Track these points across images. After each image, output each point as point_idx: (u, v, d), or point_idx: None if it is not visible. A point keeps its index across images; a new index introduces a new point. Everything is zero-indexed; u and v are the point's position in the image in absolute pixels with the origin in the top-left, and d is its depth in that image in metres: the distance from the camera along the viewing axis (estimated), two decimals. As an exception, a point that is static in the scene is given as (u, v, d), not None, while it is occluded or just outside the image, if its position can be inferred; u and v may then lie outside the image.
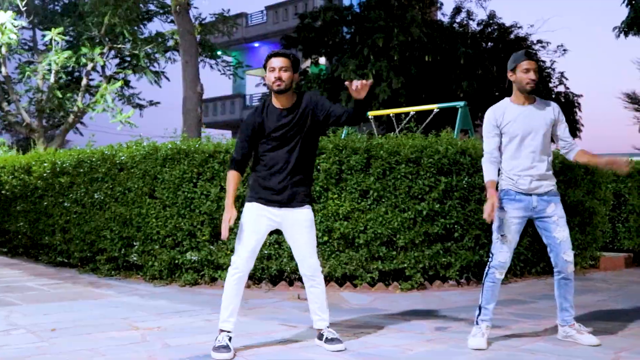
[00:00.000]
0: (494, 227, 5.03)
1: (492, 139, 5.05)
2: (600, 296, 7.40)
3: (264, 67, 4.80)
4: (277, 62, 4.72)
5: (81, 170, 9.45)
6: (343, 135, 8.80)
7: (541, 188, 5.01)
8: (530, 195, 4.99)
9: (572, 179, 9.37)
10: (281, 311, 6.37)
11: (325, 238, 7.55)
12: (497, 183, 5.06)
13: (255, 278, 7.80)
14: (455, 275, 7.84)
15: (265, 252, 7.65)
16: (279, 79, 4.69)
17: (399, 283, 7.67)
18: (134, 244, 8.50)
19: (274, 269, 7.69)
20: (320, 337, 4.92)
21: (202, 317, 6.05)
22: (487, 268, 5.04)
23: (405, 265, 7.61)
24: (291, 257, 7.56)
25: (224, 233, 4.58)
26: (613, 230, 10.80)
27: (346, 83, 4.57)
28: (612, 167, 5.18)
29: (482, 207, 7.96)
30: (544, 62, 26.16)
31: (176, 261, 8.02)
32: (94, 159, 9.26)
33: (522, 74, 4.99)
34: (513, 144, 5.01)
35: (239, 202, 6.00)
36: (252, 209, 4.77)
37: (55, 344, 4.96)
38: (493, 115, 5.06)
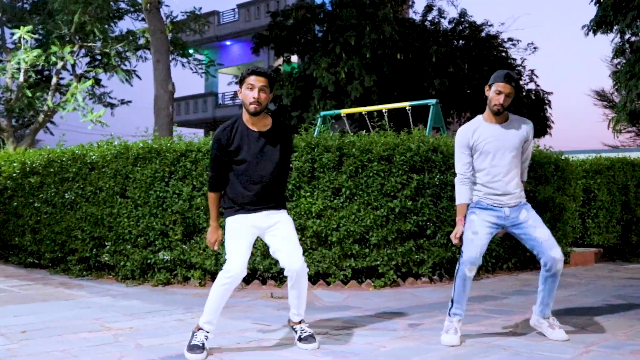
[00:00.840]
0: (465, 228, 5.05)
1: (464, 159, 5.07)
2: (571, 291, 7.48)
3: (240, 82, 4.68)
4: (257, 81, 4.59)
5: (51, 170, 9.36)
6: (315, 134, 8.80)
7: (511, 202, 5.05)
8: (502, 207, 5.03)
9: (543, 175, 9.46)
10: (254, 310, 6.36)
11: (298, 236, 7.54)
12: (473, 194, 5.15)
13: (228, 277, 7.77)
14: (428, 272, 7.89)
15: (238, 250, 7.63)
16: (257, 101, 4.59)
17: (372, 280, 7.69)
18: (106, 244, 8.44)
19: (249, 268, 7.66)
20: (293, 331, 4.95)
21: (174, 316, 6.02)
22: (457, 264, 5.07)
23: (378, 262, 7.64)
24: (264, 256, 7.55)
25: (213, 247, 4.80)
26: (583, 226, 10.92)
27: None
28: None
29: (454, 204, 8.04)
30: (514, 59, 26.38)
31: (148, 261, 7.97)
32: (64, 159, 9.18)
33: (494, 94, 5.01)
34: (484, 161, 5.03)
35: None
36: (236, 219, 4.73)
37: (26, 345, 4.91)
38: (465, 135, 5.08)
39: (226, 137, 4.68)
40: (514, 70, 25.99)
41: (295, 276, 4.80)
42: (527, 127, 5.15)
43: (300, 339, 4.83)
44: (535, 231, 5.01)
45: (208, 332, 4.66)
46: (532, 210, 5.12)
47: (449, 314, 5.05)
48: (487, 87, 5.09)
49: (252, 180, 4.71)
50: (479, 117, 5.18)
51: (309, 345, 4.78)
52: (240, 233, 4.71)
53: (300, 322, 4.94)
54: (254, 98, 4.58)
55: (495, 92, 4.99)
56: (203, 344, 4.57)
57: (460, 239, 5.00)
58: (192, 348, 4.54)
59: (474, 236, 4.97)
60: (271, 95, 4.71)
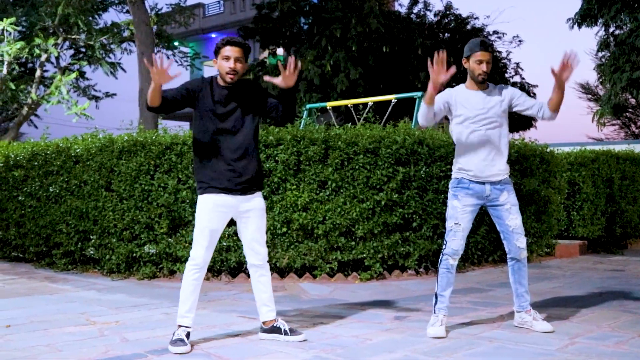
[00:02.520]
0: (447, 215, 5.07)
1: (438, 104, 4.97)
2: (556, 283, 7.52)
3: (215, 52, 4.65)
4: (233, 51, 4.59)
5: (36, 163, 9.30)
6: (301, 126, 8.79)
7: (494, 176, 5.04)
8: (484, 183, 5.02)
9: (528, 168, 9.49)
10: (240, 303, 6.35)
11: (284, 229, 7.55)
12: (452, 172, 5.15)
13: (214, 270, 7.76)
14: (414, 265, 7.90)
15: (224, 244, 7.62)
16: (234, 70, 4.58)
17: (358, 273, 7.70)
18: (91, 237, 8.40)
19: (233, 261, 7.66)
20: (274, 329, 4.83)
21: (160, 310, 6.00)
22: (441, 255, 5.10)
23: (365, 255, 7.65)
24: (250, 249, 7.54)
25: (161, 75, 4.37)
26: (568, 218, 10.96)
27: (271, 79, 4.63)
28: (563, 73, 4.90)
29: (439, 197, 8.07)
30: (500, 52, 26.44)
31: (134, 254, 7.95)
32: (48, 152, 9.12)
33: (475, 65, 5.01)
34: (465, 133, 5.01)
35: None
36: (208, 200, 4.60)
37: (11, 340, 4.88)
38: (447, 92, 5.08)
39: (204, 83, 4.67)
40: (500, 62, 26.07)
41: (259, 265, 4.83)
42: (507, 90, 5.14)
43: (285, 332, 4.78)
44: (509, 217, 5.05)
45: (188, 328, 4.62)
46: (513, 193, 5.13)
47: (435, 311, 5.06)
48: (464, 60, 5.08)
49: (227, 148, 4.61)
50: (461, 85, 5.17)
51: (298, 336, 4.75)
52: (211, 219, 4.59)
53: (276, 318, 4.88)
54: (229, 68, 4.57)
55: (476, 62, 4.99)
56: (184, 338, 4.53)
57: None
58: (175, 342, 4.52)
59: (457, 227, 5.00)
60: (246, 65, 4.70)
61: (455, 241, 5.02)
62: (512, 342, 4.69)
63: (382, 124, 8.94)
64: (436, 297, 5.08)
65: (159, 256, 7.88)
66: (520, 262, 5.16)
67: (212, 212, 4.60)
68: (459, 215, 5.01)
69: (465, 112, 5.02)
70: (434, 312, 5.06)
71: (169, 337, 4.69)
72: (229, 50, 4.59)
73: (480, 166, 5.01)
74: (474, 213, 5.08)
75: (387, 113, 13.22)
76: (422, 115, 4.98)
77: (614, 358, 4.27)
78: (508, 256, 5.18)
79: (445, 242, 5.06)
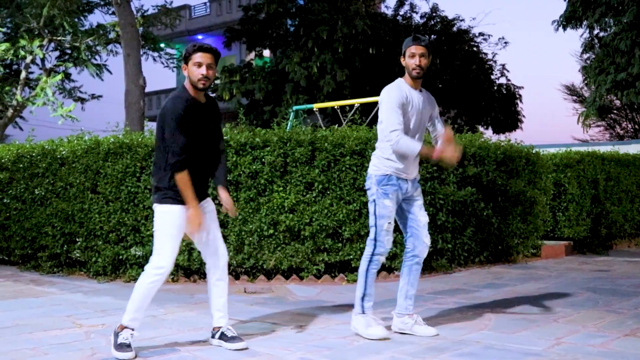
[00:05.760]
0: (378, 214, 4.90)
1: (399, 116, 4.87)
2: (542, 283, 7.55)
3: (185, 58, 4.58)
4: (205, 58, 4.53)
5: (21, 165, 9.25)
6: (288, 128, 8.79)
7: (414, 173, 5.05)
8: (407, 181, 5.00)
9: (514, 169, 9.53)
10: (227, 305, 6.32)
11: (271, 231, 7.54)
12: (375, 169, 5.01)
13: (201, 272, 7.74)
14: (400, 266, 7.90)
15: (211, 246, 7.60)
16: (206, 77, 4.53)
17: (345, 275, 7.71)
18: (77, 240, 8.37)
19: (220, 263, 7.63)
20: (221, 335, 4.72)
21: (147, 312, 5.96)
22: (370, 256, 4.95)
23: (351, 257, 7.65)
24: (237, 251, 7.54)
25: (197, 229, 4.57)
26: (554, 219, 11.01)
27: None
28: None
29: (426, 198, 8.08)
30: (485, 54, 26.55)
31: (120, 257, 7.92)
32: (34, 154, 9.07)
33: (408, 59, 5.00)
34: (405, 131, 4.93)
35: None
36: (175, 210, 4.54)
37: (-4, 343, 4.85)
38: (400, 92, 4.93)
39: (184, 105, 4.54)
40: (486, 64, 26.17)
41: (221, 267, 4.77)
42: (433, 100, 5.19)
43: (227, 339, 4.68)
44: (420, 213, 5.06)
45: (133, 330, 4.54)
46: (421, 190, 5.16)
47: (363, 312, 4.96)
48: (401, 58, 5.07)
49: (198, 160, 4.59)
50: (401, 80, 5.07)
51: (238, 344, 4.64)
52: (179, 227, 4.56)
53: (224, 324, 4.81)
54: (202, 75, 4.52)
55: (409, 57, 4.98)
56: (130, 343, 4.46)
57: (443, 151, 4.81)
58: (121, 346, 4.42)
59: (390, 227, 4.94)
60: (216, 71, 4.67)
61: (388, 241, 4.96)
62: (498, 343, 4.71)
63: (369, 126, 8.96)
64: (364, 298, 4.96)
65: (145, 258, 7.84)
66: (419, 262, 5.10)
67: (179, 220, 4.57)
68: (391, 215, 4.95)
69: (411, 112, 4.96)
70: (363, 313, 4.96)
71: (156, 339, 4.68)
72: (200, 57, 4.53)
73: (410, 164, 4.99)
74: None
75: (373, 114, 13.24)
76: (407, 148, 4.88)
77: (599, 358, 4.29)
78: (409, 254, 5.09)
79: (375, 242, 4.94)
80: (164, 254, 4.50)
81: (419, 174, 5.16)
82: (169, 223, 4.55)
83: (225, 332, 4.73)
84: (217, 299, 4.81)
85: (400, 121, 4.86)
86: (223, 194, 4.76)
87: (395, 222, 5.08)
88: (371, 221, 4.98)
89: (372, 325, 4.92)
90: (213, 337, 4.79)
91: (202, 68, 4.53)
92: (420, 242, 5.03)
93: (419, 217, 5.04)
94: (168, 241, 4.52)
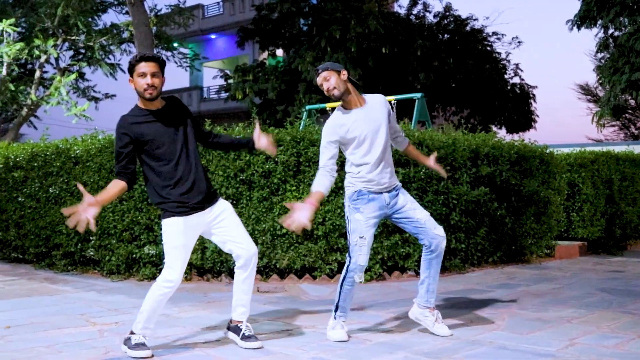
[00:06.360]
0: (350, 229, 4.90)
1: (331, 151, 4.91)
2: (556, 284, 7.52)
3: (130, 71, 4.51)
4: (148, 67, 4.43)
5: (35, 164, 9.30)
6: (301, 127, 8.79)
7: (389, 185, 4.97)
8: (382, 193, 4.95)
9: (528, 169, 9.50)
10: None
11: (284, 230, 7.54)
12: (346, 187, 5.01)
13: (214, 271, 7.76)
14: (413, 266, 7.90)
15: (224, 245, 7.61)
16: (152, 86, 4.43)
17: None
18: (91, 238, 8.40)
19: (233, 262, 7.64)
20: (236, 330, 4.75)
21: (160, 311, 5.99)
22: (345, 272, 4.93)
23: (364, 256, 7.63)
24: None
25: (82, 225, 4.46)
26: (568, 219, 10.97)
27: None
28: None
29: (439, 198, 8.07)
30: (499, 53, 26.48)
31: (134, 255, 7.94)
32: (48, 153, 9.12)
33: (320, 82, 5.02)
34: (360, 151, 4.91)
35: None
36: (177, 223, 4.51)
37: (11, 341, 4.88)
38: (333, 128, 4.94)
39: (130, 124, 4.49)
40: (499, 64, 26.08)
41: (253, 262, 4.71)
42: (382, 100, 5.09)
43: (244, 337, 4.68)
44: (416, 213, 4.99)
45: (144, 336, 4.54)
46: (406, 192, 5.10)
47: (335, 317, 4.97)
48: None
49: (177, 173, 4.52)
50: (337, 111, 5.05)
51: (254, 343, 4.65)
52: (183, 239, 4.51)
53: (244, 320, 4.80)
54: (147, 84, 4.43)
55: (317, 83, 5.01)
56: (144, 342, 4.47)
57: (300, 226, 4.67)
58: (137, 346, 4.44)
59: (362, 241, 4.86)
60: (163, 78, 4.55)
61: (362, 256, 4.86)
62: (512, 344, 4.69)
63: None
64: (337, 308, 4.96)
65: (158, 257, 7.87)
66: (439, 255, 5.01)
67: (182, 232, 4.55)
68: (363, 228, 4.87)
69: (357, 134, 4.90)
70: (334, 318, 4.97)
71: (169, 337, 4.70)
72: (144, 67, 4.43)
73: (378, 176, 4.92)
74: (376, 225, 4.98)
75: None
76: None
77: (614, 359, 4.27)
78: (427, 250, 5.01)
79: (349, 258, 4.90)
80: (173, 269, 4.47)
81: (398, 182, 5.09)
82: (172, 235, 4.51)
83: (241, 328, 4.73)
84: (243, 296, 4.78)
85: (329, 158, 4.91)
86: (257, 133, 4.80)
87: (395, 225, 5.05)
88: (348, 238, 4.96)
89: (334, 328, 4.93)
90: (229, 328, 4.82)
91: (146, 77, 4.43)
92: (432, 236, 4.97)
93: (417, 216, 5.00)
94: (175, 254, 4.49)
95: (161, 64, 4.53)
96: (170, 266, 4.48)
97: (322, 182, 4.88)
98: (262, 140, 4.85)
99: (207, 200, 4.62)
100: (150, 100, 4.49)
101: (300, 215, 4.58)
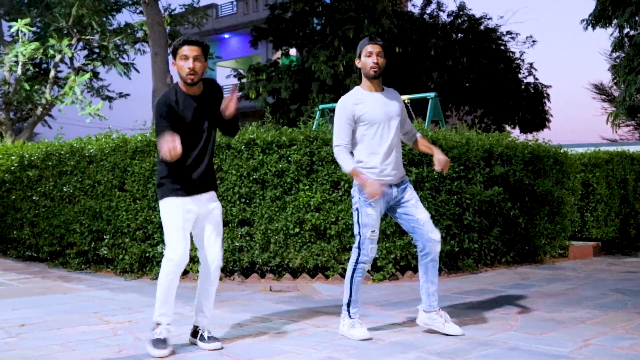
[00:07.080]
0: (362, 222, 4.91)
1: (347, 130, 4.91)
2: (569, 284, 7.48)
3: (173, 53, 4.56)
4: (191, 50, 4.47)
5: (50, 163, 9.35)
6: (314, 127, 8.79)
7: (398, 178, 4.98)
8: (391, 186, 4.95)
9: (541, 169, 9.46)
10: (253, 303, 6.36)
11: (297, 229, 7.55)
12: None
13: (227, 270, 7.77)
14: (426, 266, 7.87)
15: (237, 244, 7.63)
16: (193, 70, 4.47)
17: (371, 274, 7.69)
18: (104, 237, 8.44)
19: (246, 261, 7.67)
20: (196, 334, 4.75)
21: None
22: (354, 264, 4.96)
23: (377, 256, 7.63)
24: (263, 249, 7.55)
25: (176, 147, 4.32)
26: (582, 219, 10.91)
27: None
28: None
29: (452, 198, 8.05)
30: (513, 52, 26.38)
31: (147, 254, 7.97)
32: (62, 152, 9.16)
33: (365, 59, 4.96)
34: (372, 135, 4.91)
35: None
36: (174, 202, 4.53)
37: (25, 339, 4.91)
38: (347, 105, 4.93)
39: (170, 101, 4.52)
40: (513, 63, 26.00)
41: (215, 269, 4.70)
42: (398, 95, 5.17)
43: (204, 339, 4.67)
44: (417, 212, 4.98)
45: (168, 324, 4.56)
46: (413, 188, 5.10)
47: (350, 316, 4.97)
48: (356, 60, 5.04)
49: (194, 153, 4.55)
50: (358, 88, 5.06)
51: (214, 344, 4.63)
52: (181, 220, 4.52)
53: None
54: (189, 68, 4.47)
55: (366, 55, 4.95)
56: (165, 338, 4.49)
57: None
58: (156, 342, 4.46)
59: (373, 235, 4.92)
60: (206, 63, 4.59)
61: (372, 249, 4.94)
62: (525, 344, 4.67)
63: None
64: (349, 304, 4.98)
65: (172, 256, 7.89)
66: (434, 259, 5.00)
67: (180, 213, 4.55)
68: (375, 222, 4.92)
69: (371, 117, 4.91)
70: (350, 317, 4.97)
71: (182, 336, 4.71)
72: (187, 50, 4.48)
73: (388, 169, 4.93)
74: (381, 217, 5.03)
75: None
76: (341, 163, 4.97)
77: (628, 360, 4.25)
78: (421, 253, 5.01)
79: (358, 251, 4.94)
80: (172, 246, 4.49)
81: (405, 175, 5.10)
82: (170, 215, 4.53)
83: (202, 331, 4.72)
84: (207, 301, 4.78)
85: (346, 135, 4.92)
86: (224, 104, 4.64)
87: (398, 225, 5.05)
88: (355, 229, 4.98)
89: (354, 326, 4.94)
90: (194, 336, 4.80)
91: (188, 61, 4.47)
92: (427, 239, 4.96)
93: (417, 216, 4.99)
94: (174, 233, 4.50)
95: (204, 49, 4.57)
96: (168, 245, 4.51)
97: (350, 157, 4.93)
98: (229, 109, 4.64)
99: (209, 187, 4.68)
100: (192, 85, 4.54)
101: (374, 184, 4.75)
